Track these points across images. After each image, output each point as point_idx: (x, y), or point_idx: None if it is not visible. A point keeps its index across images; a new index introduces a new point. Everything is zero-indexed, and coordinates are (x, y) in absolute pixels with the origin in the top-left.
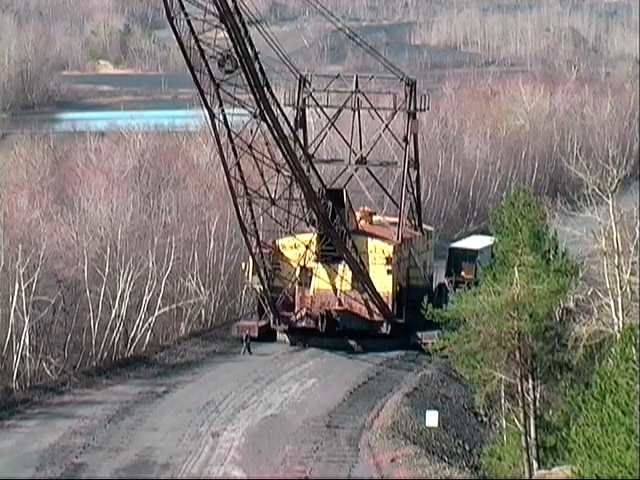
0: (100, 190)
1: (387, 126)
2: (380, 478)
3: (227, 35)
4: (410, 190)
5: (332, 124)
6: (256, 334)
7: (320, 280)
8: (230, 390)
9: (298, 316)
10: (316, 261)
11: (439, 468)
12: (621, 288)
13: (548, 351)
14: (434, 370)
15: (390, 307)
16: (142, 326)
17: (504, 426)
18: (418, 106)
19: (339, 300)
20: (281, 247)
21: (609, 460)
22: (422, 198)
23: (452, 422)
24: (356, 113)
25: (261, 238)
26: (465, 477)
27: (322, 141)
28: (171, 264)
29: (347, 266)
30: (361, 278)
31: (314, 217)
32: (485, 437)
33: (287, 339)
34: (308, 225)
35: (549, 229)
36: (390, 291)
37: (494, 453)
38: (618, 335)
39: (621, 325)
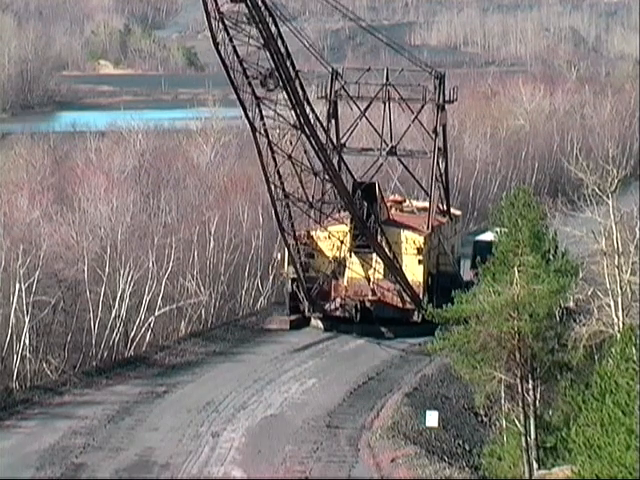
0: (100, 190)
1: (417, 117)
2: (380, 478)
3: (269, 57)
4: (439, 179)
5: (363, 115)
6: (288, 327)
7: (353, 270)
8: (230, 390)
9: (333, 306)
10: (349, 251)
11: (439, 468)
12: (621, 288)
13: (548, 351)
14: (434, 370)
15: (421, 296)
16: (142, 326)
17: (504, 426)
18: (446, 98)
19: (372, 290)
20: (315, 238)
21: (609, 460)
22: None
23: (452, 422)
24: (386, 105)
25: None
26: (465, 477)
27: (352, 132)
28: (171, 264)
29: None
30: (393, 270)
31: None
32: (485, 437)
33: (320, 324)
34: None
35: (549, 229)
36: (421, 281)
37: (494, 453)
38: (618, 335)
39: (621, 325)
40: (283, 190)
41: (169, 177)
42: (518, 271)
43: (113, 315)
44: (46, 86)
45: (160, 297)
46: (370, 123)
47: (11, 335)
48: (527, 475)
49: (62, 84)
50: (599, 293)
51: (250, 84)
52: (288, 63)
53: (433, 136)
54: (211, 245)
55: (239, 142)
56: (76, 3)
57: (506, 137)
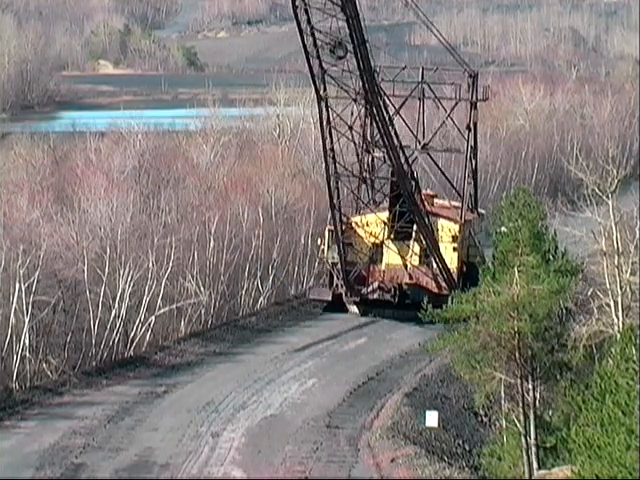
0: (100, 190)
1: (449, 115)
2: (380, 478)
3: (345, 22)
4: (470, 175)
5: (397, 112)
6: (330, 298)
7: (391, 255)
8: (230, 390)
9: (370, 289)
10: (387, 238)
11: (439, 468)
12: (621, 288)
13: (548, 351)
14: (434, 370)
15: (456, 281)
16: (142, 326)
17: (504, 426)
18: (479, 96)
19: (409, 275)
20: (354, 224)
21: (609, 460)
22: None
23: (452, 422)
24: (421, 102)
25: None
26: (465, 477)
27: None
28: (171, 264)
29: (416, 242)
30: (433, 253)
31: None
32: (485, 437)
33: (355, 310)
34: (377, 205)
35: (549, 229)
36: (456, 266)
37: (494, 453)
38: (618, 335)
39: (621, 325)
40: (335, 165)
41: (169, 177)
42: (518, 271)
43: (113, 315)
44: (46, 86)
45: (160, 297)
46: (404, 120)
47: (11, 335)
48: (527, 475)
49: (62, 84)
50: (599, 293)
51: (318, 54)
52: (363, 27)
53: (466, 133)
54: (211, 245)
55: (239, 142)
56: (76, 3)
57: (506, 137)
